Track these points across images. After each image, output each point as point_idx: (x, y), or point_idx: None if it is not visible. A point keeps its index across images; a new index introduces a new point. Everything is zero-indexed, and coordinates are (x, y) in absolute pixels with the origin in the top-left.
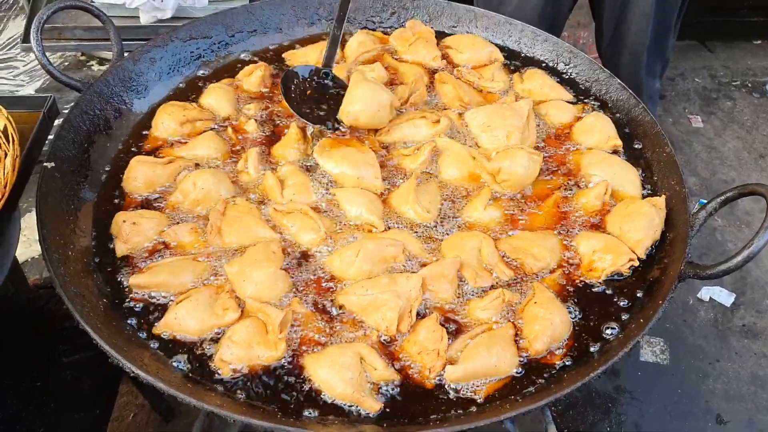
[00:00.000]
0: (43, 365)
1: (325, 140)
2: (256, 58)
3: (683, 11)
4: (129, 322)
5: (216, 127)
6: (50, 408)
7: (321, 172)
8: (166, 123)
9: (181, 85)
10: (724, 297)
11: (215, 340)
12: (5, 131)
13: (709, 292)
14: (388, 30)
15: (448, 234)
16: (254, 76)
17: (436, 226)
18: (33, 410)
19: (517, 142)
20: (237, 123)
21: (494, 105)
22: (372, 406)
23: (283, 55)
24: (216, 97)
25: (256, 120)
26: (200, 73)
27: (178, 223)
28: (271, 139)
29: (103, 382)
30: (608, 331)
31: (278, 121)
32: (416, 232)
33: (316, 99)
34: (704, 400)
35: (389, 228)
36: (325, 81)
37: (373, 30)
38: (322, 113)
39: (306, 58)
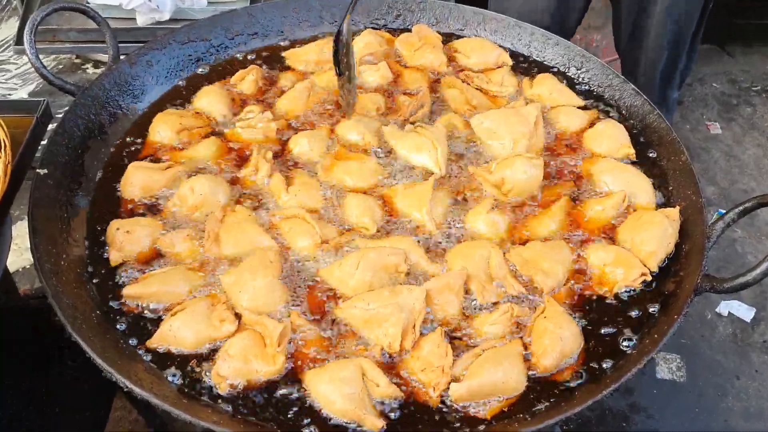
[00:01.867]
0: (43, 365)
1: (325, 160)
2: (251, 56)
3: (705, 18)
4: (123, 334)
5: (216, 131)
6: (50, 408)
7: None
8: (163, 132)
9: (180, 83)
10: (744, 311)
11: (212, 354)
12: None
13: (727, 306)
14: (394, 33)
15: (452, 243)
16: (247, 80)
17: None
18: (33, 410)
19: (523, 150)
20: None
21: (501, 110)
22: (374, 423)
23: (282, 54)
24: (210, 100)
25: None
26: (199, 71)
27: (174, 230)
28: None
29: (104, 382)
30: (623, 344)
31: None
32: (418, 238)
33: None
34: (723, 419)
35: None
36: None
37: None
38: None
39: (307, 56)
